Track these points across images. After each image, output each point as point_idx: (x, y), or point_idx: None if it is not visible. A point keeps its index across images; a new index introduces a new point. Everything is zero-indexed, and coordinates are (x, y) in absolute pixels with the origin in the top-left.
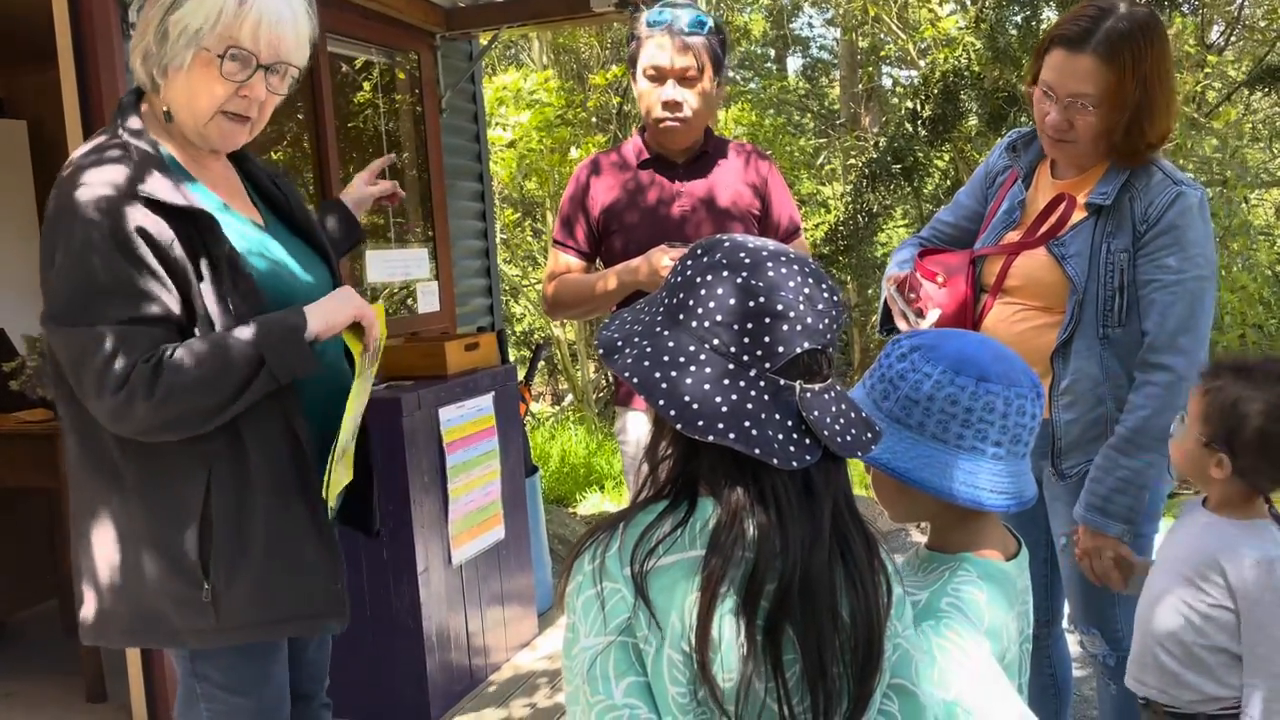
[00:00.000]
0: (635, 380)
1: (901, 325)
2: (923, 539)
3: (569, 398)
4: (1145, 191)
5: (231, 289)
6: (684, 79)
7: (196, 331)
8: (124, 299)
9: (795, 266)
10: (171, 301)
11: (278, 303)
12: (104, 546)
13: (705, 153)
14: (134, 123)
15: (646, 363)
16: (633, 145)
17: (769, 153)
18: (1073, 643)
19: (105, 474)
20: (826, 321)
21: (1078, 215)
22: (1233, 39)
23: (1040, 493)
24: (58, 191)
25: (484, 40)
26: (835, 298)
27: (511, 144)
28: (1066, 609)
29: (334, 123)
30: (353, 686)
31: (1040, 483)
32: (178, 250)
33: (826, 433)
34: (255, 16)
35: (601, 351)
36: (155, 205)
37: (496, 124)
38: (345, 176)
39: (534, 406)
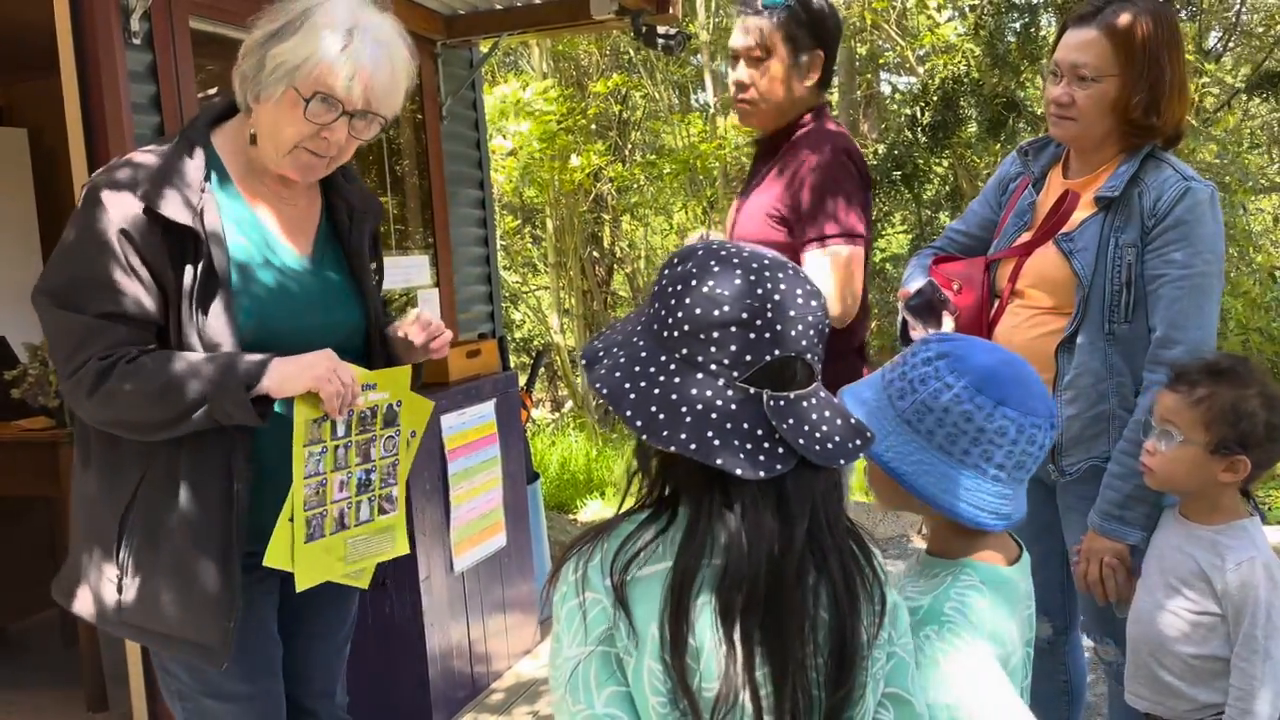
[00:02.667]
0: (605, 391)
1: (915, 336)
2: (923, 545)
3: (569, 404)
4: (1154, 186)
5: (203, 315)
6: (750, 59)
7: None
8: (101, 293)
9: (767, 272)
10: (149, 303)
11: (278, 336)
12: (74, 509)
13: (777, 145)
14: (202, 130)
15: (618, 374)
16: None
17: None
18: (1085, 647)
19: (80, 441)
20: (800, 328)
21: (1087, 210)
22: (1230, 45)
23: (1054, 500)
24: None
25: (484, 48)
26: (814, 302)
27: (512, 153)
28: (1082, 617)
29: None
30: (354, 695)
31: (1053, 490)
32: (164, 263)
33: (803, 441)
34: (352, 67)
35: (585, 361)
36: (155, 215)
37: (497, 133)
38: None
39: (534, 413)
